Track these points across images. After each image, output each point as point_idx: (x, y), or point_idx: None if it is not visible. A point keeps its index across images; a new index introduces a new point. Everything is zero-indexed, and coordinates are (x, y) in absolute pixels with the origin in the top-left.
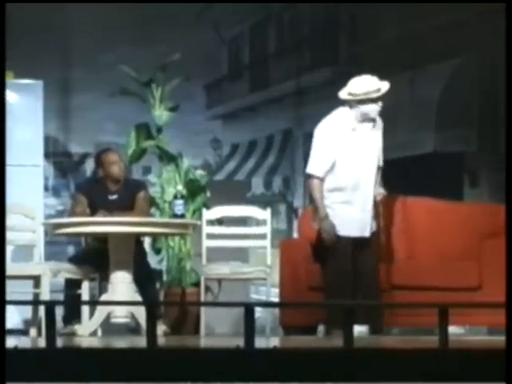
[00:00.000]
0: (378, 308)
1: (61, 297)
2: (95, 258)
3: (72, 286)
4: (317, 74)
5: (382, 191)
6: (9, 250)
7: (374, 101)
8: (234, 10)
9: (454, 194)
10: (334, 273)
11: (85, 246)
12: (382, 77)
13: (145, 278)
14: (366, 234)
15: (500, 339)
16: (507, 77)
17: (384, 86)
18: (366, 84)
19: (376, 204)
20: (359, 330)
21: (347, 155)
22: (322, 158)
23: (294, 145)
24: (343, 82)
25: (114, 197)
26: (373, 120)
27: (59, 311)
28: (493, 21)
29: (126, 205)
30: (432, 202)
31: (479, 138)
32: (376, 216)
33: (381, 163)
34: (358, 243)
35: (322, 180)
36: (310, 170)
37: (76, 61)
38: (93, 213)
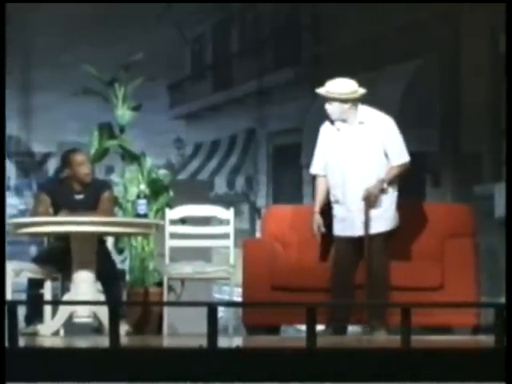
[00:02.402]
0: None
1: (23, 296)
2: (58, 257)
3: (34, 285)
4: (279, 75)
5: (368, 190)
6: None
7: (342, 102)
8: (196, 10)
9: (417, 193)
10: (332, 272)
11: (47, 246)
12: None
13: (109, 277)
14: (359, 233)
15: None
16: (507, 76)
17: (360, 91)
18: (339, 84)
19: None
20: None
21: (334, 155)
22: (314, 157)
23: (256, 145)
24: (306, 83)
25: (80, 197)
26: (342, 122)
27: (21, 311)
28: (454, 21)
29: (91, 205)
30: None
31: (441, 137)
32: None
33: (394, 162)
34: (358, 243)
35: (321, 177)
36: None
37: (38, 60)
38: (56, 212)
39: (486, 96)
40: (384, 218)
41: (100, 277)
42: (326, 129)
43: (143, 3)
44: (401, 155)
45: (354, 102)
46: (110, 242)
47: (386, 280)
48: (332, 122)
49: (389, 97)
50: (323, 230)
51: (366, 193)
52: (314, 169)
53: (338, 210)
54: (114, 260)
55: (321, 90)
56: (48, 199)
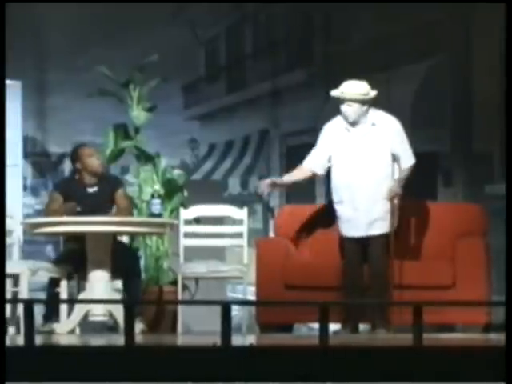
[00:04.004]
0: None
1: (39, 295)
2: (73, 256)
3: (52, 284)
4: (293, 75)
5: (392, 190)
6: None
7: (362, 103)
8: (210, 11)
9: (428, 193)
10: (343, 273)
11: (63, 245)
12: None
13: (131, 273)
14: (363, 233)
15: (472, 337)
16: (507, 77)
17: (372, 92)
18: (356, 86)
19: (392, 203)
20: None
21: (340, 155)
22: (314, 154)
23: (270, 145)
24: (319, 83)
25: (92, 190)
26: (355, 123)
27: (39, 309)
28: (466, 21)
29: (104, 199)
30: (406, 202)
31: (453, 137)
32: (391, 214)
33: (403, 164)
34: (364, 243)
35: (308, 170)
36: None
37: (53, 62)
38: None
39: (498, 96)
40: (388, 219)
41: (121, 273)
42: (332, 128)
43: (157, 3)
44: (411, 157)
45: (370, 103)
46: (124, 241)
47: (389, 279)
48: (341, 121)
49: (401, 97)
50: (266, 193)
51: (392, 193)
52: (312, 165)
53: (342, 211)
54: (137, 257)
55: (335, 93)
56: (60, 198)
